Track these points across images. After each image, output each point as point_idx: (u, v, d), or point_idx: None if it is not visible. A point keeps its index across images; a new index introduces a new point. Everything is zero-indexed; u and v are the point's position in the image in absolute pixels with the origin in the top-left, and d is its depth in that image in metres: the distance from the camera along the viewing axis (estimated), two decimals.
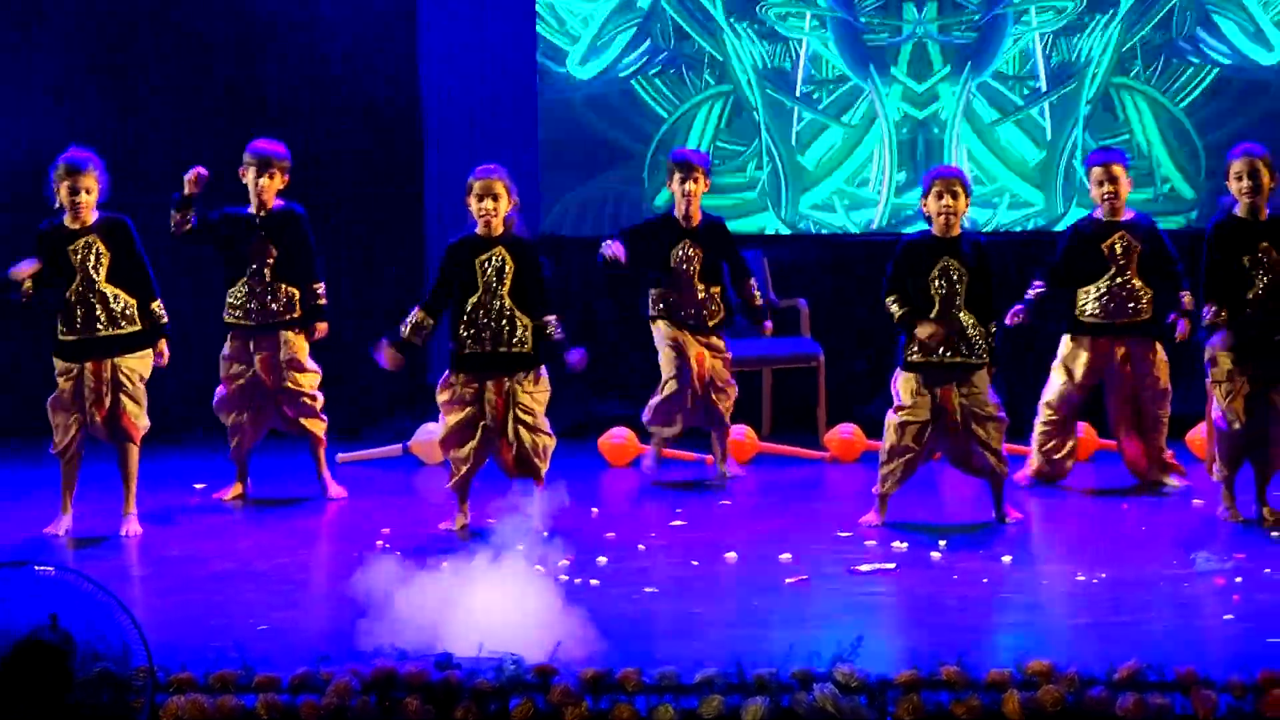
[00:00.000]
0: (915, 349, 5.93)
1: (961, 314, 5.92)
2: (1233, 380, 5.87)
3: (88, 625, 3.91)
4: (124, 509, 6.04)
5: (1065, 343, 6.56)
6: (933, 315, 5.89)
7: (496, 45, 8.06)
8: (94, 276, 5.94)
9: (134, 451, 6.00)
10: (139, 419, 5.99)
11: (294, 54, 7.99)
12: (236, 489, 6.59)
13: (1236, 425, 5.85)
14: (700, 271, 6.74)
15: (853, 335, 7.84)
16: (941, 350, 5.91)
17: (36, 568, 3.96)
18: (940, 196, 5.92)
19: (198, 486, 6.76)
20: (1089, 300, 6.47)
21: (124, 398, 5.96)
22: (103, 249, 5.93)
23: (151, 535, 6.00)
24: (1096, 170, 6.50)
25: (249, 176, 6.41)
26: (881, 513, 6.01)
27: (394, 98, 8.04)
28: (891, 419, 5.97)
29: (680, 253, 6.74)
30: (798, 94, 8.01)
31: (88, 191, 5.90)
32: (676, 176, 6.71)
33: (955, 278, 5.93)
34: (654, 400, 6.76)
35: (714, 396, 6.78)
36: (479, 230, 5.95)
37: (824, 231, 8.07)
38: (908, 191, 7.91)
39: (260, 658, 4.29)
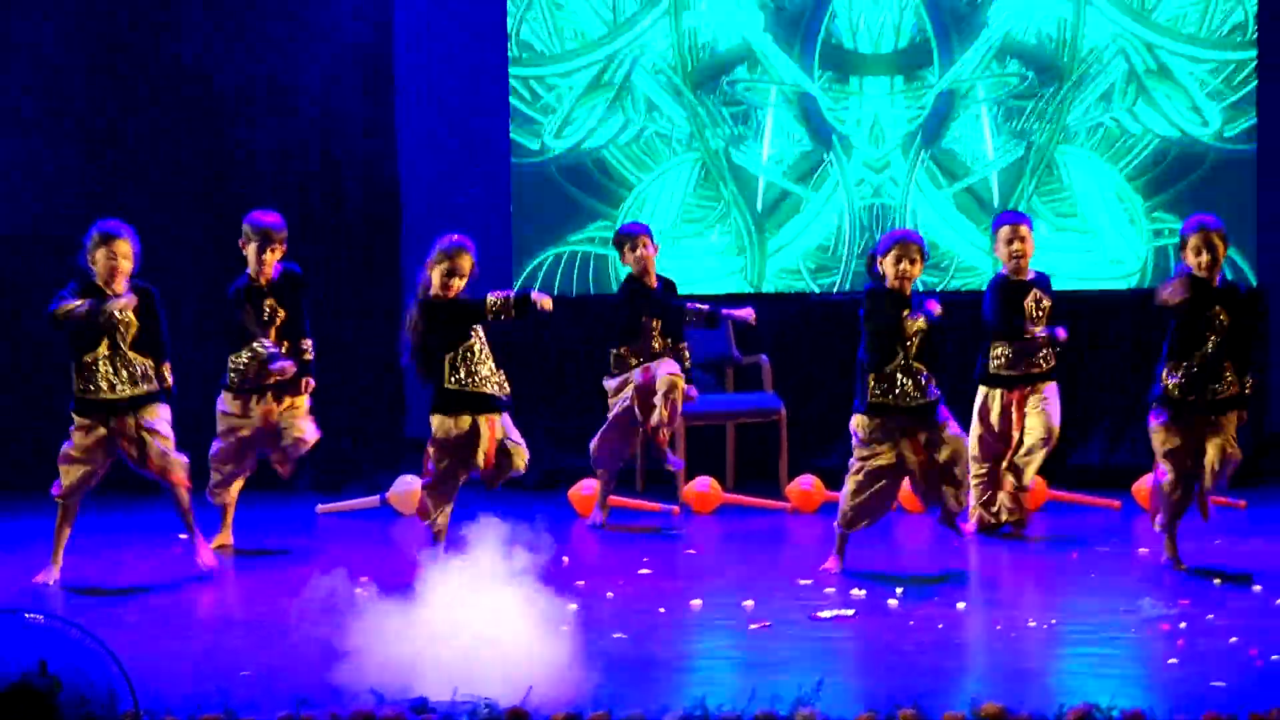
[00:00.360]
0: (879, 391, 6.13)
1: (915, 364, 6.13)
2: (1176, 433, 6.04)
3: (76, 671, 3.93)
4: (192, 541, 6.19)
5: (980, 393, 6.80)
6: (899, 363, 6.10)
7: (472, 115, 8.22)
8: (121, 343, 6.05)
9: (180, 491, 6.10)
10: (168, 458, 6.05)
11: (273, 118, 8.07)
12: (220, 538, 6.71)
13: (1179, 477, 6.04)
14: (662, 327, 7.05)
15: (813, 390, 7.97)
16: (903, 396, 6.12)
17: (26, 615, 4.01)
18: (899, 261, 6.12)
19: (182, 536, 6.87)
20: (1000, 352, 6.71)
21: (151, 441, 6.04)
22: (132, 317, 6.03)
23: (137, 584, 6.09)
24: (1005, 230, 6.75)
25: (250, 250, 6.53)
26: (840, 559, 6.17)
27: (371, 160, 8.11)
28: (853, 462, 6.14)
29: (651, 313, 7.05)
30: (764, 161, 8.26)
31: (125, 258, 5.99)
32: (626, 247, 7.07)
33: (915, 330, 6.13)
34: (596, 439, 7.03)
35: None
36: (438, 292, 6.14)
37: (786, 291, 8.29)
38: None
39: (243, 702, 4.39)
